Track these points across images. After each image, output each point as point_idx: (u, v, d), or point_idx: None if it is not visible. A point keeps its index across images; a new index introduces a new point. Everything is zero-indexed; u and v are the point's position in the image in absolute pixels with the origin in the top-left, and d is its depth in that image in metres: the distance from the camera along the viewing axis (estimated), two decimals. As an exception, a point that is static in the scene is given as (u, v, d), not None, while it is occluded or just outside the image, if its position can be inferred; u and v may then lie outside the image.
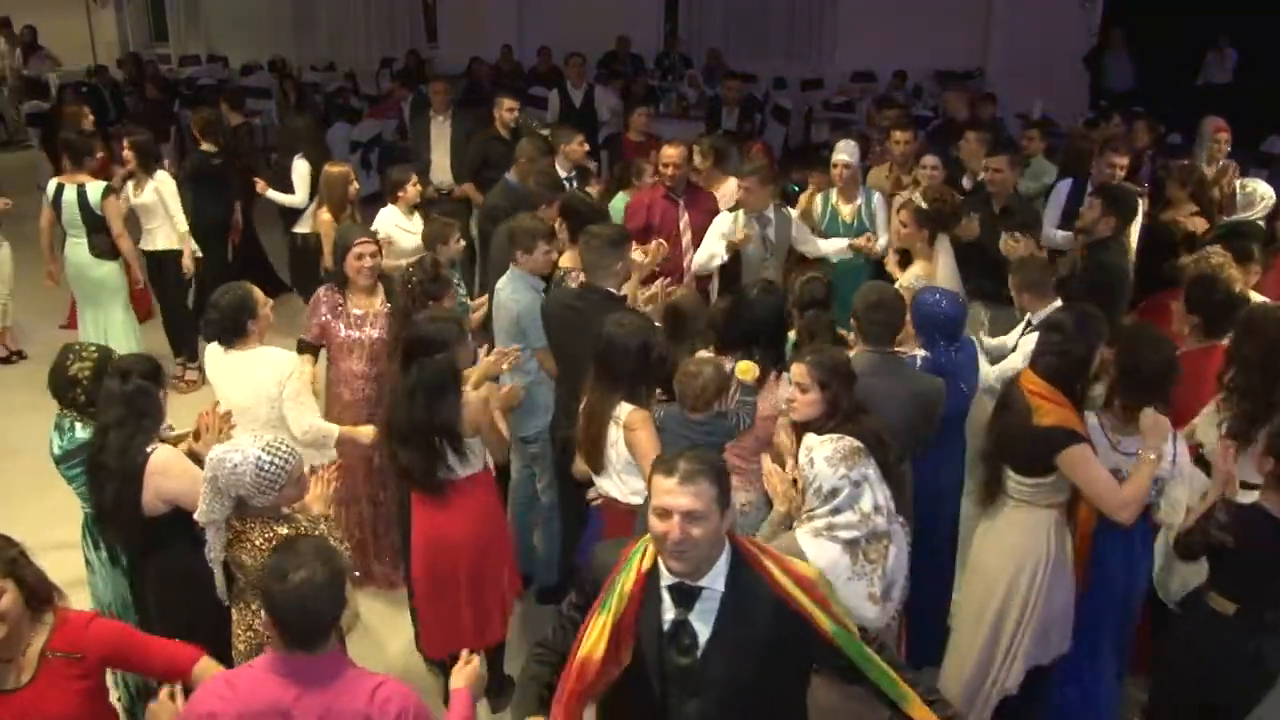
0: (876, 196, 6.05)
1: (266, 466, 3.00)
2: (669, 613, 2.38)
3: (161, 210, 6.72)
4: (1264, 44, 11.61)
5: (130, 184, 6.77)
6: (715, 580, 2.37)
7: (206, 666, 2.79)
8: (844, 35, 13.57)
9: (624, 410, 3.57)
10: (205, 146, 7.47)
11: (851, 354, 3.96)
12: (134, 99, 12.99)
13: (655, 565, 2.40)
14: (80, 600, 4.01)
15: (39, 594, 2.63)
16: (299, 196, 7.11)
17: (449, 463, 3.69)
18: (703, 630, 2.36)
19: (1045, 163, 7.18)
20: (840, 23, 13.57)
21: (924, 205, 5.03)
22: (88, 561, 3.87)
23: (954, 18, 12.40)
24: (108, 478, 3.38)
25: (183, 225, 6.77)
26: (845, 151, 6.01)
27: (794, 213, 5.84)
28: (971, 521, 3.97)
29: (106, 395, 3.43)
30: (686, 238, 5.83)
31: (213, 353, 4.16)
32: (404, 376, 3.69)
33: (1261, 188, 5.90)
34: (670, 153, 5.93)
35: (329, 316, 4.71)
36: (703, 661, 2.36)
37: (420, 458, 3.66)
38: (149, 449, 3.38)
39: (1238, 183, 6.04)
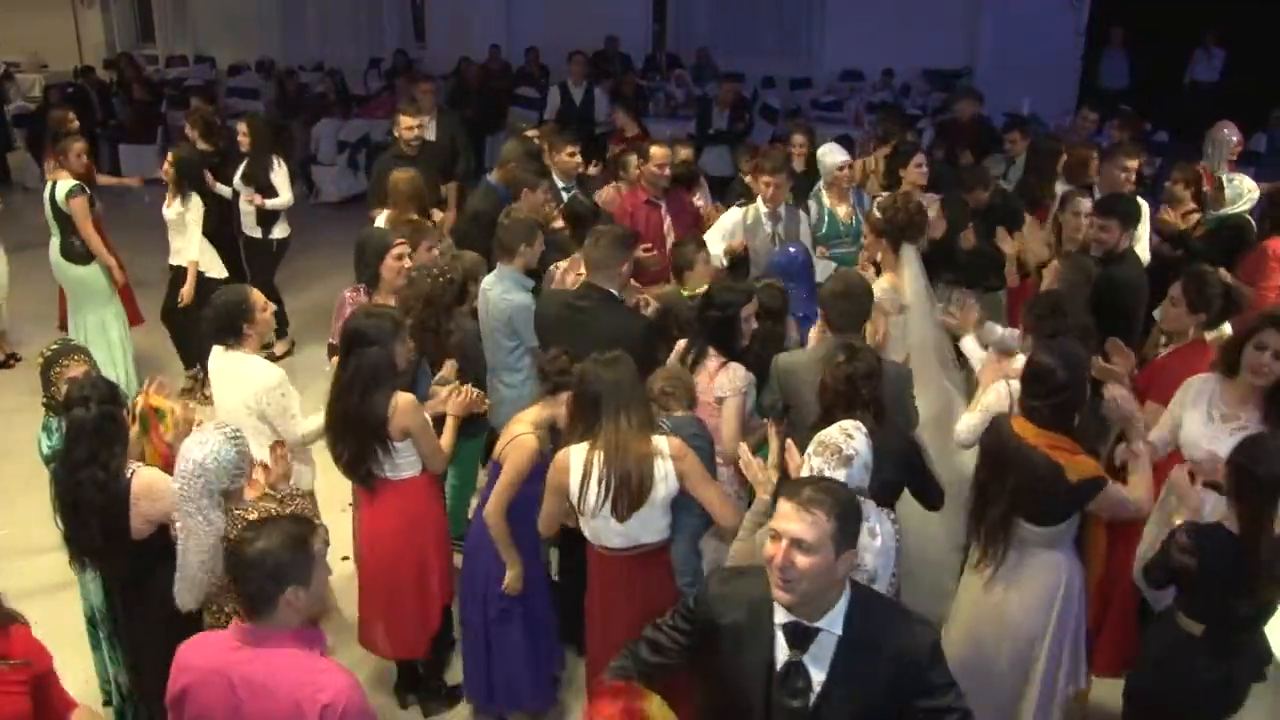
0: (866, 196, 6.02)
1: (239, 440, 3.12)
2: (782, 652, 2.31)
3: (183, 231, 6.53)
4: (1251, 42, 11.69)
5: (166, 196, 6.60)
6: (833, 623, 2.29)
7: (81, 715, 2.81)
8: (832, 34, 13.55)
9: (662, 442, 3.31)
10: (203, 146, 7.28)
11: (818, 342, 3.96)
12: (120, 100, 12.92)
13: (769, 598, 2.31)
14: (72, 601, 4.02)
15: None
16: (284, 198, 7.11)
17: (379, 459, 3.67)
18: (817, 674, 2.29)
19: None
20: (828, 21, 13.55)
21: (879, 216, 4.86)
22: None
23: (942, 16, 12.40)
24: (91, 514, 3.24)
25: (193, 254, 6.53)
26: (840, 153, 5.91)
27: (804, 215, 5.73)
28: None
29: (74, 427, 3.27)
30: (670, 240, 5.74)
31: (215, 350, 4.14)
32: (341, 369, 3.69)
33: (1246, 181, 5.93)
34: (659, 153, 5.86)
35: None
36: (815, 707, 2.28)
37: (350, 449, 3.67)
38: (129, 473, 3.29)
39: (1224, 177, 6.08)
